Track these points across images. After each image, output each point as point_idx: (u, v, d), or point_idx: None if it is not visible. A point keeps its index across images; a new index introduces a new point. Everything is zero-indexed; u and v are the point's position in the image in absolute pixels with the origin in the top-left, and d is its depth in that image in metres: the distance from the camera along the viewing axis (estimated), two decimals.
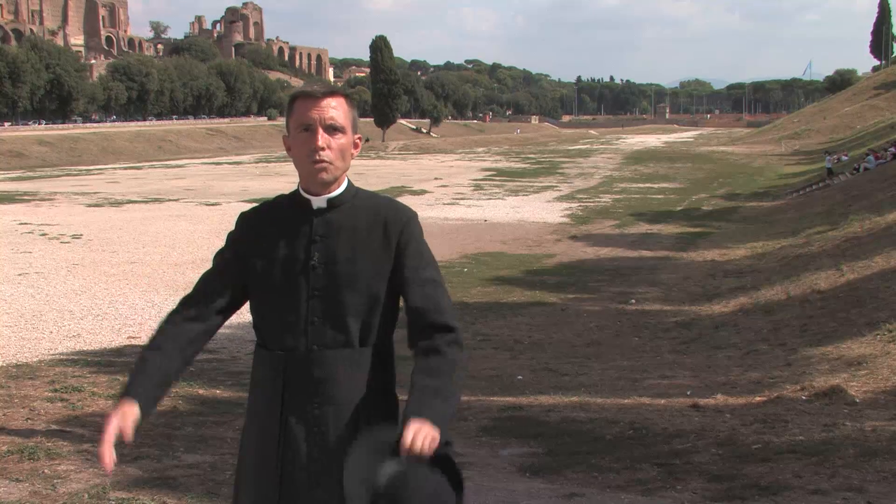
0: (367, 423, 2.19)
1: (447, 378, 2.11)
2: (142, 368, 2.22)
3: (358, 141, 2.28)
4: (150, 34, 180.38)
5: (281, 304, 2.21)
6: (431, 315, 2.19)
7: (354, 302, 2.19)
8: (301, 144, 2.20)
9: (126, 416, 2.12)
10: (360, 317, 2.20)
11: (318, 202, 2.24)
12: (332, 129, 2.19)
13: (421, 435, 1.94)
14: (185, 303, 2.31)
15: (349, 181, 2.29)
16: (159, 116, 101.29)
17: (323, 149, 2.18)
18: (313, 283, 2.20)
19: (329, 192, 2.24)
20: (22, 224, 24.44)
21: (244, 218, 2.32)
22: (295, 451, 2.18)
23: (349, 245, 2.21)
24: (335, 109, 2.20)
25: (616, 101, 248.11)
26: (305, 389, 2.18)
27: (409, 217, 2.28)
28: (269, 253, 2.24)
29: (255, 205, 2.39)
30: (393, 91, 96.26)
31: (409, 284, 2.21)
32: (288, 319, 2.20)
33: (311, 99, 2.19)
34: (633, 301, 14.50)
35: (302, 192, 2.26)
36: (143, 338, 11.38)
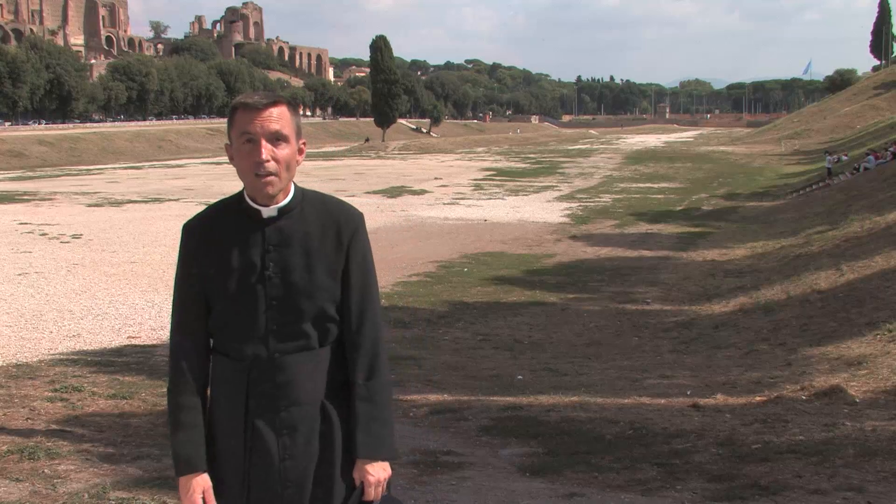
0: (333, 420, 2.22)
1: (386, 402, 2.27)
2: (181, 438, 2.23)
3: (303, 146, 2.27)
4: (150, 34, 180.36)
5: (239, 314, 2.21)
6: (365, 328, 2.26)
7: (312, 308, 2.20)
8: (245, 157, 2.17)
9: (202, 492, 2.20)
10: (318, 321, 2.22)
11: (269, 212, 2.22)
12: (276, 140, 2.16)
13: (381, 486, 2.21)
14: (177, 346, 2.27)
15: (295, 185, 2.27)
16: (159, 116, 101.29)
17: (267, 161, 2.15)
18: (270, 292, 2.19)
19: (277, 202, 2.22)
20: (22, 224, 24.43)
21: (190, 230, 2.27)
22: (264, 455, 2.19)
23: (303, 253, 2.21)
24: (278, 121, 2.16)
25: (616, 101, 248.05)
26: (270, 395, 2.19)
27: (359, 221, 2.28)
28: (223, 264, 2.21)
29: (198, 212, 2.34)
30: (393, 91, 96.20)
31: (348, 289, 2.24)
32: (247, 329, 2.20)
33: (252, 110, 2.16)
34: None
35: (249, 200, 2.23)
36: (144, 338, 11.40)
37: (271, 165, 2.16)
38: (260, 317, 2.19)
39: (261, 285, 2.19)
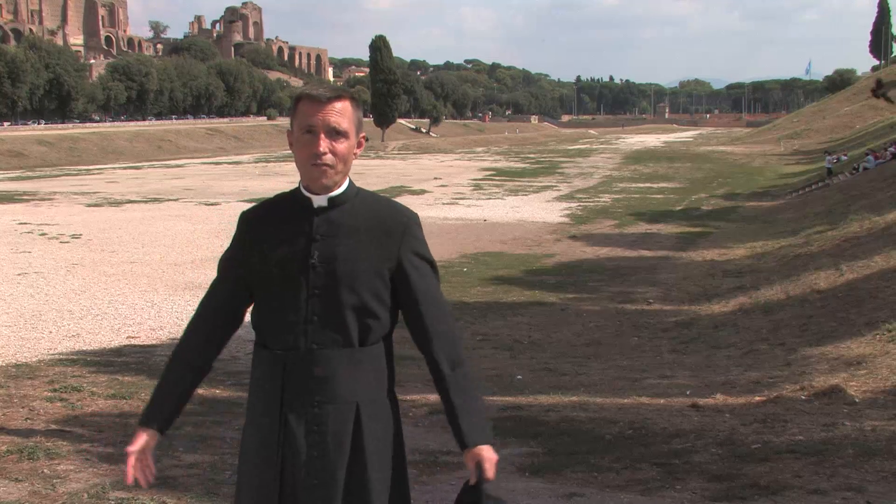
0: (367, 422, 2.20)
1: (476, 388, 2.30)
2: (153, 394, 2.33)
3: (362, 140, 2.29)
4: (150, 34, 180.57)
5: (281, 302, 2.21)
6: (436, 322, 2.26)
7: (354, 301, 2.19)
8: (303, 147, 2.19)
9: (145, 450, 2.28)
10: (359, 316, 2.20)
11: (319, 201, 2.24)
12: (336, 134, 2.18)
13: (494, 468, 2.19)
14: (199, 311, 2.34)
15: (350, 181, 2.29)
16: (159, 116, 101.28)
17: (325, 153, 2.17)
18: (313, 281, 2.19)
19: (330, 192, 2.24)
20: (21, 224, 24.42)
21: (245, 217, 2.32)
22: (294, 450, 2.18)
23: (350, 244, 2.21)
24: (340, 114, 2.18)
25: (616, 101, 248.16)
26: (305, 388, 2.19)
27: (411, 218, 2.28)
28: (269, 251, 2.23)
29: (255, 203, 2.39)
30: (392, 91, 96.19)
31: (408, 287, 2.24)
32: (287, 318, 2.20)
33: (316, 103, 2.18)
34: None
35: (303, 190, 2.26)
36: (143, 338, 11.39)
37: (328, 158, 2.18)
38: (301, 306, 2.19)
39: (304, 274, 2.20)
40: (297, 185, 2.30)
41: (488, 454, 2.19)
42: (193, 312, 2.37)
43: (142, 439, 2.27)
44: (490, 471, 2.18)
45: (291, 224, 2.24)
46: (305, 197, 2.25)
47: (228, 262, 2.31)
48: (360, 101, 2.29)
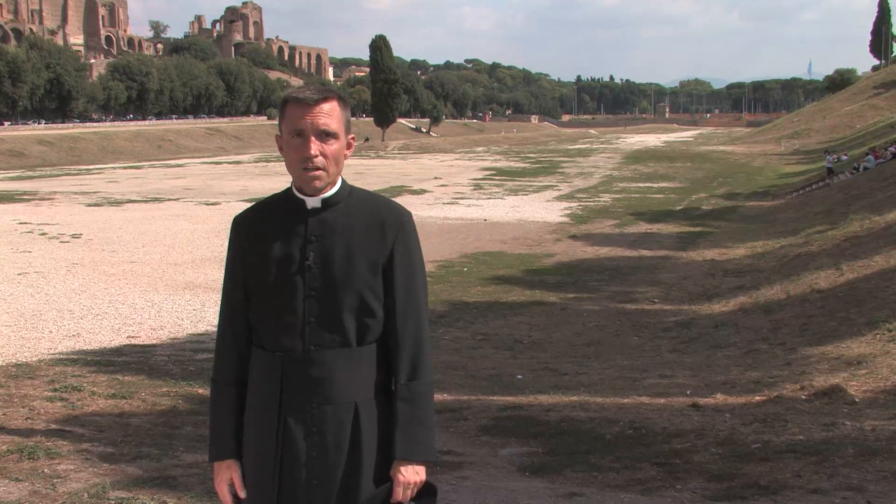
0: (365, 421, 2.20)
1: (427, 403, 2.25)
2: (217, 426, 2.31)
3: (351, 141, 2.27)
4: (150, 34, 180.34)
5: (278, 304, 2.21)
6: (408, 322, 2.24)
7: (351, 301, 2.19)
8: (293, 151, 2.18)
9: (231, 479, 2.26)
10: (356, 316, 2.20)
11: (313, 202, 2.23)
12: (325, 136, 2.17)
13: (410, 489, 2.19)
14: (221, 324, 2.33)
15: (343, 180, 2.28)
16: (159, 116, 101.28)
17: (316, 156, 2.16)
18: (309, 283, 2.19)
19: (323, 192, 2.23)
20: (22, 223, 24.43)
21: (237, 223, 2.31)
22: (294, 451, 2.18)
23: (345, 245, 2.21)
24: (328, 116, 2.17)
25: (616, 101, 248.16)
26: (303, 390, 2.19)
27: (406, 218, 2.27)
28: (264, 254, 2.23)
29: (247, 207, 2.38)
30: (393, 90, 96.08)
31: (391, 286, 2.23)
32: (285, 320, 2.20)
33: (303, 105, 2.17)
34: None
35: (296, 191, 2.25)
36: (143, 337, 11.40)
37: (319, 161, 2.17)
38: (298, 307, 2.19)
39: (300, 276, 2.20)
40: (289, 186, 2.28)
41: (408, 475, 2.18)
42: (217, 328, 2.36)
43: (223, 474, 2.27)
44: (400, 494, 2.17)
45: (285, 226, 2.24)
46: (298, 199, 2.24)
47: (233, 268, 2.31)
48: (347, 101, 2.28)
